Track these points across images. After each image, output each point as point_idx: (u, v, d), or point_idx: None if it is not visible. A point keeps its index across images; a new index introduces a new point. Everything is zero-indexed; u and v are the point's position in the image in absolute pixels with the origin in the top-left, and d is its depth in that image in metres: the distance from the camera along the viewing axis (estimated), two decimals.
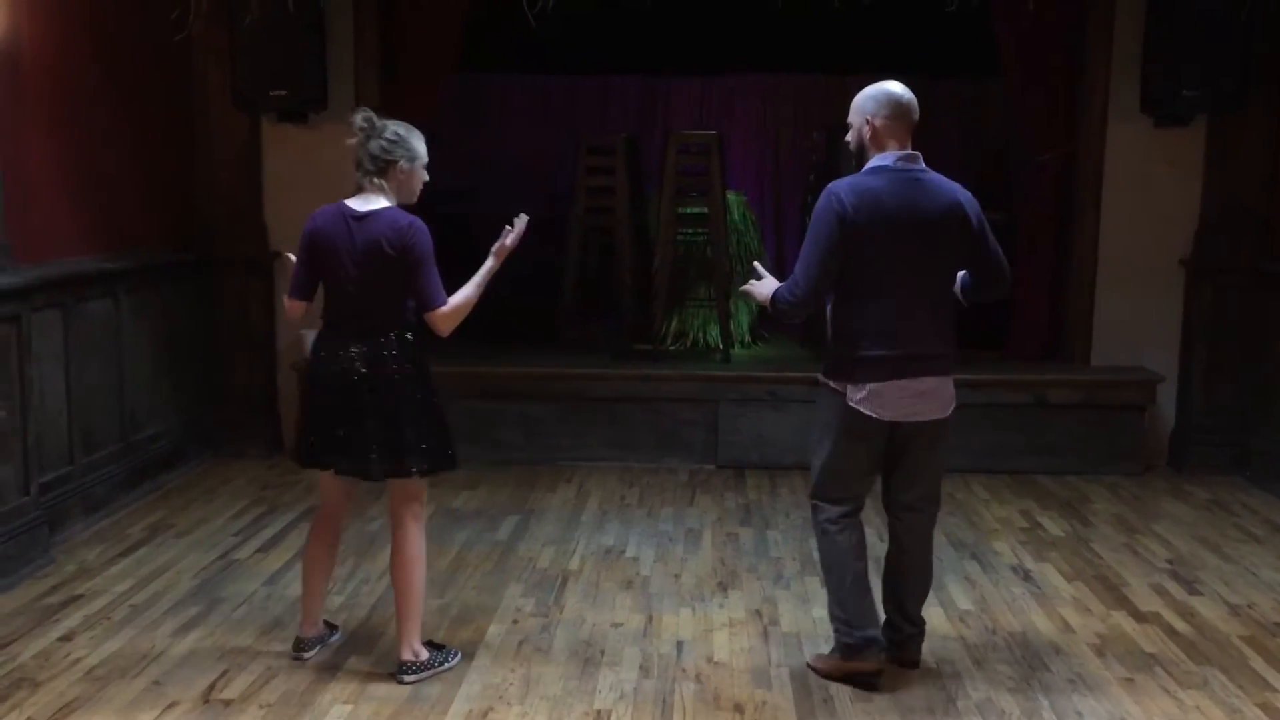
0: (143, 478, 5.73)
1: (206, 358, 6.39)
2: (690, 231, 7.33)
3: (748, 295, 3.87)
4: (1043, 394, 6.33)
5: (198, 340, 6.32)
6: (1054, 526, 5.44)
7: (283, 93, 6.19)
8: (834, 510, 3.72)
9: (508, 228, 3.93)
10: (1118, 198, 6.49)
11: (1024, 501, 5.84)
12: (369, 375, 3.64)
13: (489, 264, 3.85)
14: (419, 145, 3.79)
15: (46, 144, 5.05)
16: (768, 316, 3.82)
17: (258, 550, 4.99)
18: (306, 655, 3.91)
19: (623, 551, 5.05)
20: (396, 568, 3.76)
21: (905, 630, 3.85)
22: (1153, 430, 6.46)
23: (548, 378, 6.49)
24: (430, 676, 3.76)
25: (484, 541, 5.15)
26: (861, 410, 3.57)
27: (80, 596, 4.42)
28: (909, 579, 3.84)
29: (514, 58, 8.56)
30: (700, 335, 7.46)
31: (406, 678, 3.73)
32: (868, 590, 3.73)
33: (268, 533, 5.22)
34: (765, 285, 3.76)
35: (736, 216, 7.69)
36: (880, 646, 3.72)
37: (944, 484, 5.90)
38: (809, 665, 3.87)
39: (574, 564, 4.88)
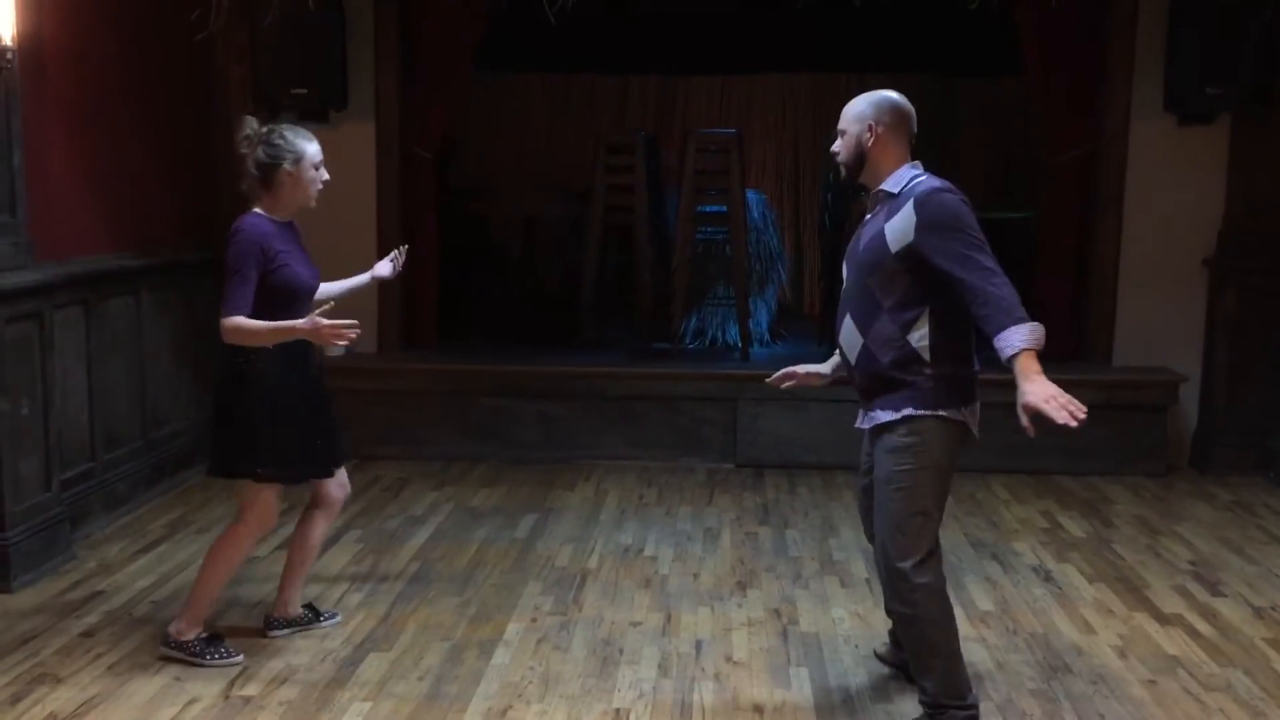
0: (163, 474, 5.75)
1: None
2: (709, 230, 7.32)
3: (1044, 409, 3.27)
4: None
5: (218, 337, 6.31)
6: (1075, 527, 5.41)
7: (303, 91, 6.22)
8: (932, 562, 3.28)
9: (395, 252, 4.10)
10: (1140, 197, 6.45)
11: (1045, 502, 5.81)
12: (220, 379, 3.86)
13: (299, 325, 3.67)
14: (305, 145, 3.75)
15: (69, 142, 5.08)
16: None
17: (277, 547, 4.99)
18: (275, 634, 4.03)
19: (641, 550, 5.04)
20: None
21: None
22: (1175, 431, 6.42)
23: (566, 376, 6.49)
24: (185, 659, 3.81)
25: (502, 539, 5.15)
26: (974, 432, 3.39)
27: (101, 592, 4.44)
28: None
29: (533, 56, 8.58)
30: (719, 334, 7.45)
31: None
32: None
33: (286, 530, 5.22)
34: (1036, 387, 3.26)
35: (756, 215, 7.68)
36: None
37: (964, 483, 6.01)
38: None
39: (592, 562, 4.87)
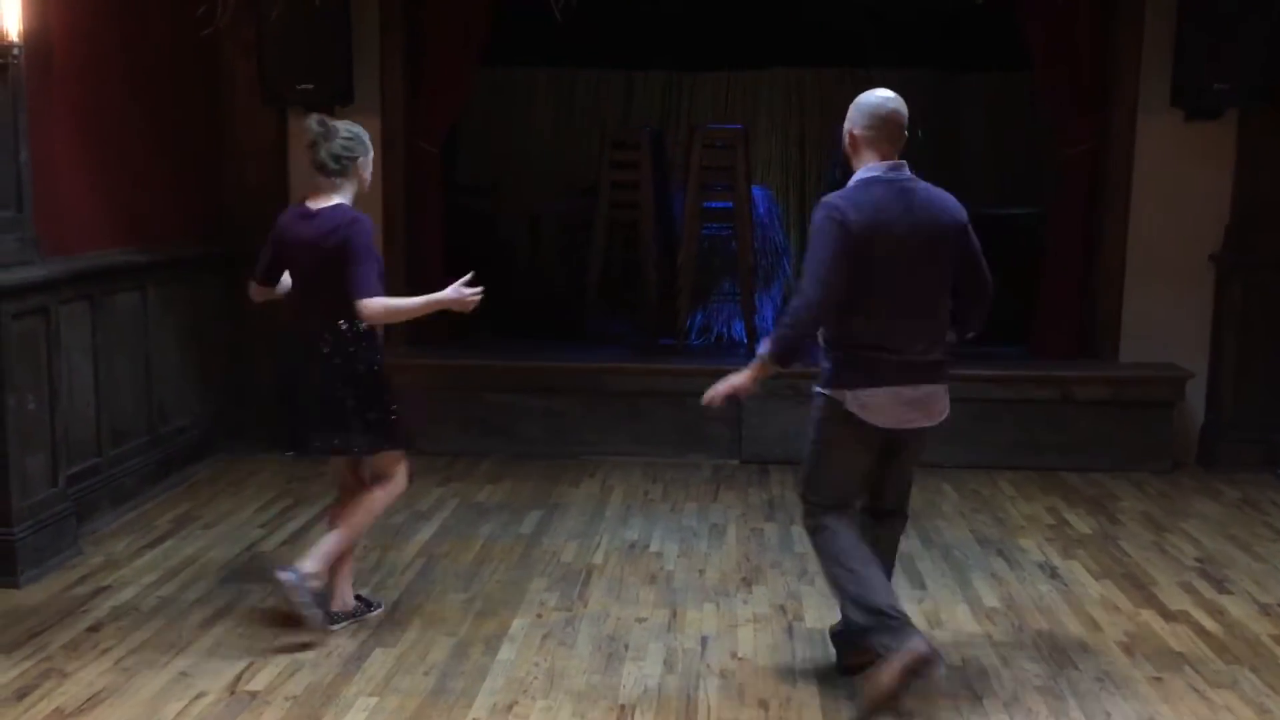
0: (170, 470, 5.76)
1: (233, 350, 6.41)
2: (715, 226, 7.32)
3: (727, 392, 3.77)
4: (1070, 390, 6.28)
5: (225, 333, 6.35)
6: (1081, 524, 5.40)
7: (310, 87, 6.22)
8: (829, 512, 3.66)
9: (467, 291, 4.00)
10: (1147, 192, 6.43)
11: (1051, 498, 5.80)
12: (326, 363, 3.89)
13: (445, 296, 3.94)
14: (368, 140, 4.03)
15: (75, 138, 5.08)
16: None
17: (284, 543, 5.01)
18: (335, 628, 4.05)
19: (646, 546, 5.04)
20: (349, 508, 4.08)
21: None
22: (1181, 427, 6.40)
23: (572, 372, 6.49)
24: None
25: (508, 535, 5.15)
26: (859, 417, 3.54)
27: (108, 587, 4.45)
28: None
29: (539, 51, 8.57)
30: (725, 330, 7.45)
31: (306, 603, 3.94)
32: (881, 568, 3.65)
33: (293, 525, 5.24)
34: (739, 374, 3.71)
35: (761, 211, 7.67)
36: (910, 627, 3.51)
37: (970, 480, 6.00)
38: (867, 700, 3.44)
39: (598, 558, 4.87)
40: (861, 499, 3.78)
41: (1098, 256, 6.61)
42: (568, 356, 6.70)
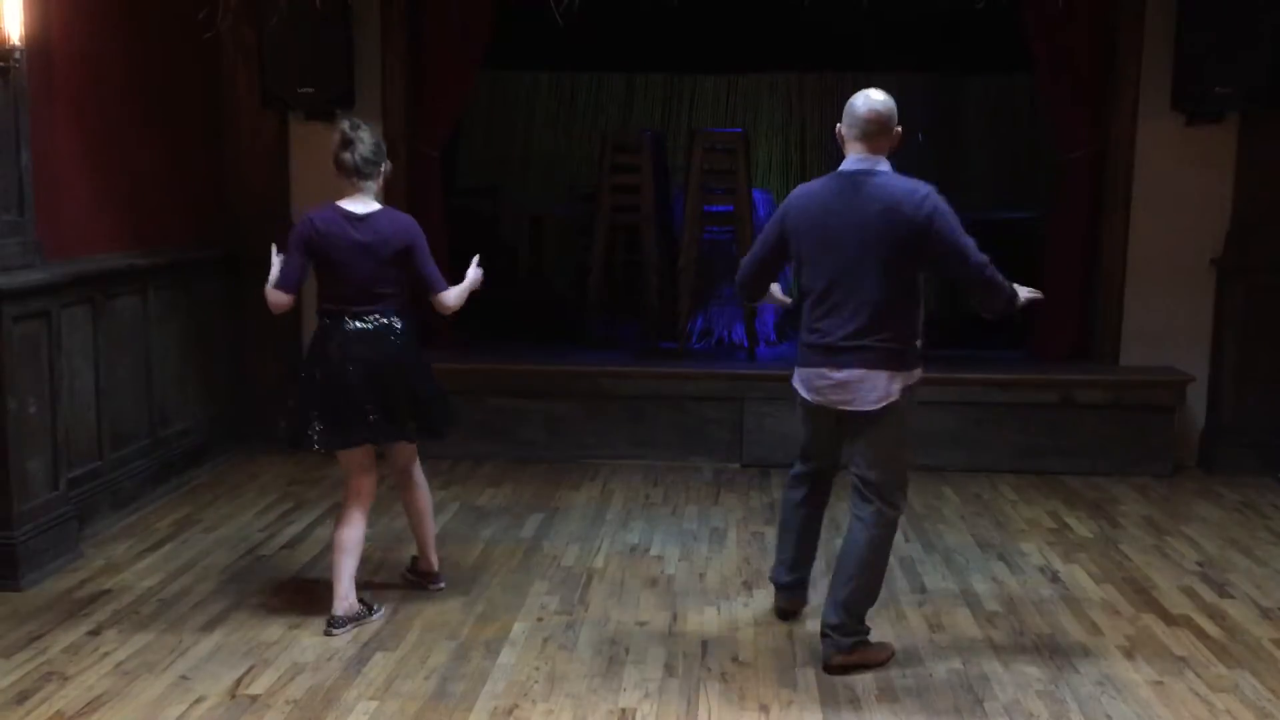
0: (170, 473, 5.76)
1: (234, 354, 6.42)
2: (716, 229, 7.32)
3: None
4: (1071, 394, 6.28)
5: (225, 336, 6.35)
6: (1082, 528, 5.40)
7: (310, 90, 6.22)
8: (790, 478, 4.22)
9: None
10: (1148, 196, 6.43)
11: (1052, 502, 5.80)
12: (381, 355, 4.04)
13: (473, 278, 4.33)
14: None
15: (77, 142, 5.09)
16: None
17: (284, 546, 5.01)
18: (337, 632, 4.06)
19: (647, 550, 5.04)
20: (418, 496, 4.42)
21: (823, 627, 3.86)
22: (1182, 431, 6.40)
23: (572, 375, 6.49)
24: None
25: (509, 539, 5.15)
26: (797, 390, 3.95)
27: (108, 591, 4.45)
28: (837, 568, 3.91)
29: (540, 55, 8.58)
30: (726, 333, 7.45)
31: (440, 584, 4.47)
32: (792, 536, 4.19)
33: (294, 528, 5.24)
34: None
35: (763, 214, 7.67)
36: (786, 593, 4.23)
37: (971, 483, 6.00)
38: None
39: (599, 562, 4.87)
40: (820, 469, 4.14)
41: (1099, 260, 6.60)
42: (569, 360, 6.70)
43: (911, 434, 3.93)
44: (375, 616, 4.19)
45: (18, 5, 4.34)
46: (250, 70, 6.30)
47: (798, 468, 4.19)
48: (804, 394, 3.90)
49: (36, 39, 4.60)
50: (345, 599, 4.12)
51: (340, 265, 4.00)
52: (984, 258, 3.68)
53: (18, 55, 4.35)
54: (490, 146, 9.35)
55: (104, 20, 5.26)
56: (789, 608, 4.27)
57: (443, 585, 4.49)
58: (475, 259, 4.37)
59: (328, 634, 4.04)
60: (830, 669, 3.79)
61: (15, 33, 4.33)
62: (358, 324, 4.04)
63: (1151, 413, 6.28)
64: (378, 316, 4.05)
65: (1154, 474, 6.22)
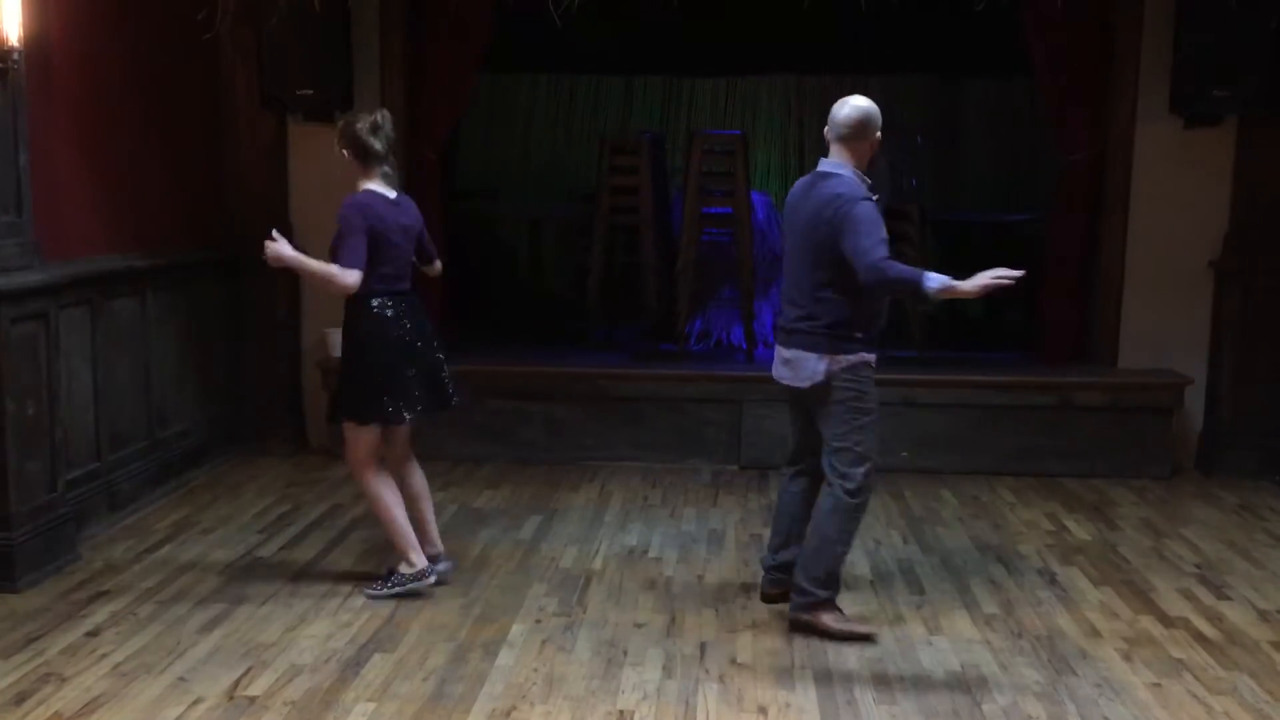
0: (168, 475, 5.76)
1: (232, 355, 6.42)
2: (715, 231, 7.32)
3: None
4: (1069, 396, 6.28)
5: (224, 338, 6.35)
6: (1080, 530, 5.40)
7: (309, 92, 6.23)
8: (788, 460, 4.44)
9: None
10: (1146, 198, 6.44)
11: (1050, 504, 5.80)
12: (416, 328, 4.37)
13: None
14: None
15: (75, 143, 5.09)
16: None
17: (282, 547, 5.00)
18: (441, 568, 4.52)
19: (645, 552, 5.04)
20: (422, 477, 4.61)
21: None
22: (1180, 433, 6.40)
23: (571, 377, 6.49)
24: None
25: (507, 540, 5.15)
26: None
27: (106, 592, 4.44)
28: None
29: (539, 57, 8.58)
30: (724, 335, 7.45)
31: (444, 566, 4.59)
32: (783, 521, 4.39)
33: (292, 530, 5.24)
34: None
35: (761, 217, 7.68)
36: (769, 575, 4.38)
37: (970, 486, 6.00)
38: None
39: (597, 564, 4.87)
40: (800, 453, 4.34)
41: (1097, 263, 6.61)
42: (567, 362, 6.70)
43: (870, 421, 4.06)
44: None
45: (16, 6, 4.34)
46: (249, 71, 6.30)
47: (788, 464, 4.43)
48: (774, 373, 4.25)
49: (35, 40, 4.59)
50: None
51: (394, 246, 4.30)
52: (876, 261, 3.82)
53: (16, 56, 4.34)
54: (489, 148, 9.35)
55: (103, 22, 5.26)
56: (771, 591, 4.36)
57: (448, 565, 4.61)
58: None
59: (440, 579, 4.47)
60: (790, 623, 4.16)
61: (14, 34, 4.33)
62: (408, 300, 4.37)
63: (1150, 415, 6.28)
64: (411, 294, 4.41)
65: (1152, 476, 6.22)
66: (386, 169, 4.33)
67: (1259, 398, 6.26)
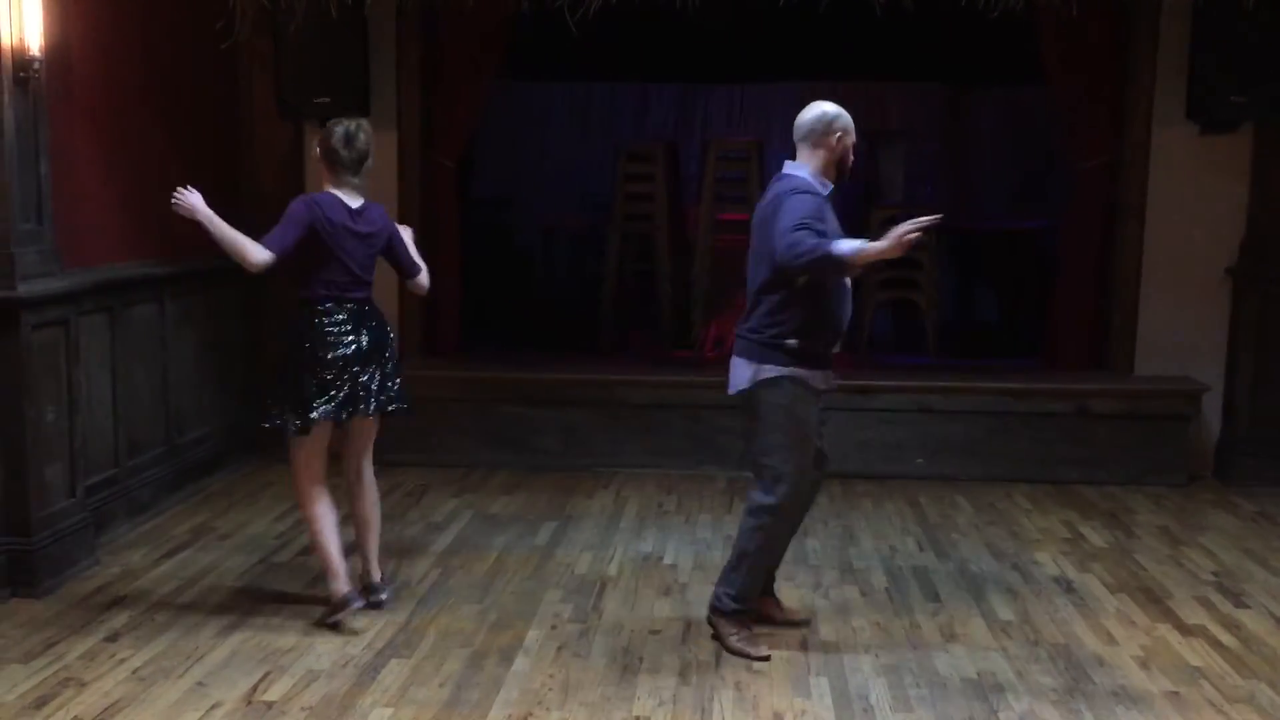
0: (186, 480, 5.79)
1: (249, 362, 6.45)
2: (729, 238, 7.33)
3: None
4: (1086, 403, 6.26)
5: (241, 344, 6.38)
6: (1097, 537, 5.39)
7: (326, 100, 6.25)
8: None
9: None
10: (1162, 205, 6.42)
11: (1066, 512, 5.78)
12: (371, 339, 4.22)
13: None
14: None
15: (95, 151, 5.13)
16: None
17: (299, 553, 5.02)
18: (383, 597, 4.38)
19: (661, 558, 5.04)
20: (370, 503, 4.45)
21: None
22: (1197, 441, 6.38)
23: (586, 384, 6.50)
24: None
25: (522, 547, 5.16)
26: None
27: (125, 598, 4.47)
28: None
29: (554, 65, 8.61)
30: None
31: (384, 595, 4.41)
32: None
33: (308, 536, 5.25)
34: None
35: None
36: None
37: (986, 493, 5.98)
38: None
39: (612, 570, 4.88)
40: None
41: (1113, 269, 6.59)
42: (582, 369, 6.71)
43: (793, 443, 3.96)
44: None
45: (38, 16, 4.38)
46: (266, 80, 6.34)
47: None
48: None
49: (56, 49, 4.63)
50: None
51: (344, 251, 4.17)
52: (790, 240, 3.73)
53: (37, 65, 4.38)
54: (504, 156, 9.38)
55: (122, 31, 5.30)
56: (759, 608, 4.23)
57: (384, 597, 4.39)
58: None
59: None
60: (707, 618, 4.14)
61: (35, 43, 4.37)
62: (350, 306, 4.21)
63: (1166, 422, 6.26)
64: (365, 302, 4.26)
65: (1169, 484, 6.20)
66: (355, 180, 4.20)
67: (1276, 404, 6.23)
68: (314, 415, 4.12)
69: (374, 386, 4.23)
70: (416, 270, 4.43)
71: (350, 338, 4.18)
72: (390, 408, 4.30)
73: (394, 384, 4.31)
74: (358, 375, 4.19)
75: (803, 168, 4.06)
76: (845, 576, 4.82)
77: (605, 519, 5.58)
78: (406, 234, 4.47)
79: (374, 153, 4.27)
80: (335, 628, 4.16)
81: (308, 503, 4.27)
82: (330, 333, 4.16)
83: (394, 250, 4.36)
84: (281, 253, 4.12)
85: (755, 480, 4.06)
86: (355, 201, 4.22)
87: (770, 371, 3.92)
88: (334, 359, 4.15)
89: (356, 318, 4.21)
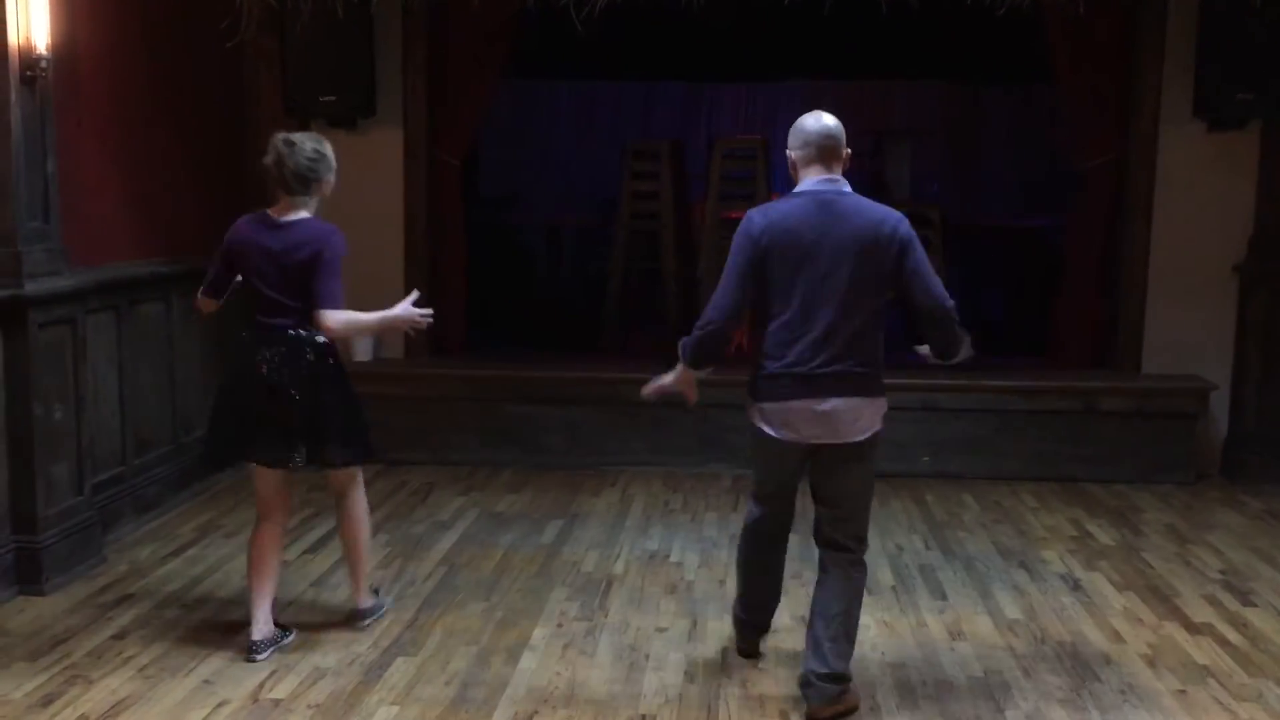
0: (193, 478, 5.80)
1: None
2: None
3: (659, 390, 3.87)
4: (1093, 401, 6.26)
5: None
6: (1104, 535, 5.38)
7: (332, 99, 6.27)
8: (756, 510, 3.83)
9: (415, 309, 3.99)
10: (1170, 203, 6.41)
11: (1073, 510, 5.77)
12: (288, 373, 3.82)
13: (398, 314, 3.97)
14: (333, 157, 3.97)
15: (101, 150, 5.14)
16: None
17: (305, 551, 5.03)
18: (259, 658, 3.89)
19: (667, 556, 5.04)
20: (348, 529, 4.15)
21: (808, 676, 3.56)
22: (1205, 439, 6.36)
23: (592, 382, 6.50)
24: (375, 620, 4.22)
25: (528, 545, 5.16)
26: (761, 429, 3.58)
27: (132, 595, 4.48)
28: (815, 622, 3.62)
29: (559, 64, 8.61)
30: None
31: (364, 623, 4.18)
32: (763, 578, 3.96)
33: (314, 535, 5.27)
34: (667, 375, 3.80)
35: None
36: (753, 630, 3.99)
37: (992, 491, 5.98)
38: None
39: (618, 568, 4.88)
40: (778, 511, 3.80)
41: (1120, 267, 6.57)
42: (588, 367, 6.71)
43: (758, 464, 3.78)
44: (288, 639, 4.05)
45: (45, 15, 4.39)
46: (273, 78, 6.35)
47: (756, 512, 3.83)
48: (771, 431, 3.56)
49: (63, 49, 4.64)
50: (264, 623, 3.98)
51: (252, 273, 3.86)
52: (948, 296, 3.51)
53: (44, 65, 4.39)
54: (510, 155, 9.38)
55: (129, 30, 5.31)
56: (752, 648, 4.01)
57: (367, 624, 4.17)
58: (413, 295, 4.02)
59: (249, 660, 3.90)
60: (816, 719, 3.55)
61: (42, 43, 4.38)
62: (265, 334, 3.86)
63: (1174, 420, 6.25)
64: (288, 330, 3.83)
65: (1176, 482, 6.19)
66: (296, 198, 3.86)
67: None
68: (212, 452, 4.05)
69: (281, 431, 3.82)
70: (323, 302, 3.77)
71: (260, 370, 3.81)
72: (295, 462, 3.85)
73: (337, 433, 3.88)
74: (256, 415, 3.83)
75: (848, 184, 3.63)
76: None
77: (611, 517, 5.58)
78: (407, 300, 3.97)
79: (331, 168, 3.90)
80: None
81: (251, 536, 4.05)
82: (239, 362, 3.89)
83: (312, 276, 3.78)
84: (209, 290, 4.02)
85: (850, 536, 3.63)
86: (287, 216, 3.87)
87: (749, 398, 3.62)
88: (236, 393, 3.90)
89: (271, 347, 3.83)
